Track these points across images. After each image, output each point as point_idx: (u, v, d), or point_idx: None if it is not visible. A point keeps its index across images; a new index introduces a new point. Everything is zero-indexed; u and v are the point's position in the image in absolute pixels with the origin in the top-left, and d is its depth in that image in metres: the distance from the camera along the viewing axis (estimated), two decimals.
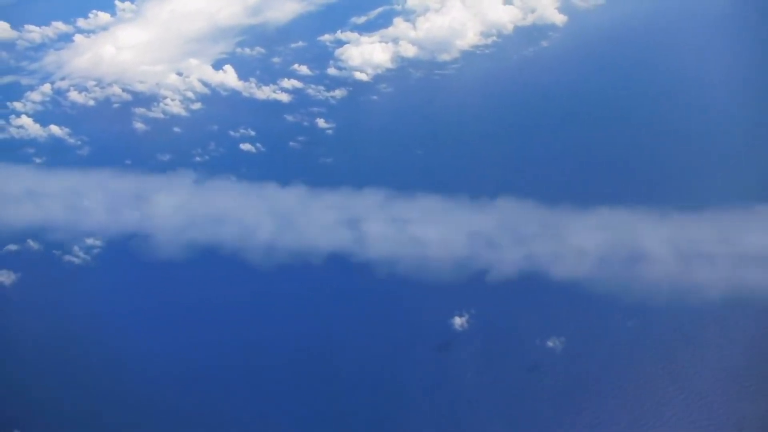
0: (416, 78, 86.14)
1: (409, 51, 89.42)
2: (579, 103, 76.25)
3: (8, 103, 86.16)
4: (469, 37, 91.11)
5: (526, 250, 56.49)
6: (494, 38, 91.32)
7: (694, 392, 47.00)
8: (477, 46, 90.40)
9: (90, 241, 64.64)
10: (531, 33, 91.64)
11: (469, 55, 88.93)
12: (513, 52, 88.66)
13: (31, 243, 64.94)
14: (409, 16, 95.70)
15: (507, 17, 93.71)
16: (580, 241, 57.09)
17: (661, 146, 68.45)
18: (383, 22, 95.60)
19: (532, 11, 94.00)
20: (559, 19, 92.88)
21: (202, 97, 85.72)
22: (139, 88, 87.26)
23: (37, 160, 77.66)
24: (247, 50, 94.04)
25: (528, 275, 54.65)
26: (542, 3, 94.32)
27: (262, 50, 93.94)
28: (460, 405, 48.42)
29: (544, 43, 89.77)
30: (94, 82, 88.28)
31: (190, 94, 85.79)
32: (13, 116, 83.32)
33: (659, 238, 56.08)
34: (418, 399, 48.96)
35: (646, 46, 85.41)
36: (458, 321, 53.37)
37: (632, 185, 64.24)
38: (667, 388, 47.38)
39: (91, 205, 67.50)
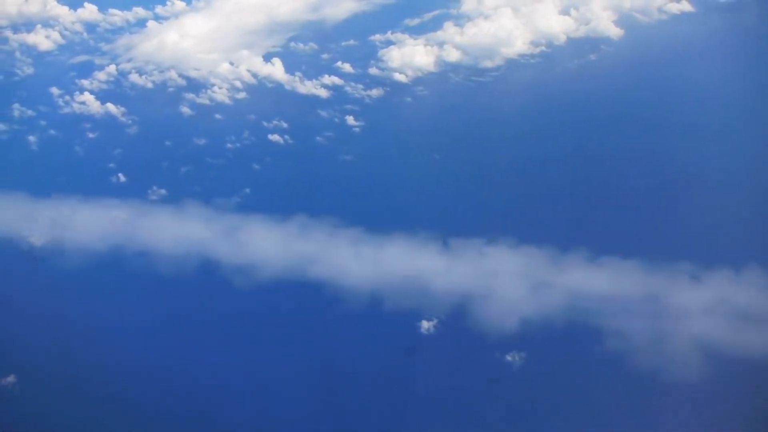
0: (454, 83, 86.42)
1: (453, 55, 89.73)
2: (601, 117, 74.76)
3: (77, 81, 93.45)
4: (517, 45, 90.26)
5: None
6: (543, 48, 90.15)
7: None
8: (523, 55, 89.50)
9: (115, 213, 70.07)
10: (582, 45, 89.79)
11: (512, 64, 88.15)
12: (557, 64, 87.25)
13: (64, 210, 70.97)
14: (462, 20, 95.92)
15: (560, 27, 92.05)
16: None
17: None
18: (435, 25, 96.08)
19: (587, 23, 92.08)
20: (615, 32, 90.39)
21: (248, 87, 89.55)
22: (193, 74, 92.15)
23: (90, 135, 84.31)
24: (301, 45, 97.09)
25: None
26: (598, 15, 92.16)
27: (315, 46, 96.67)
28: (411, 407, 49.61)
29: (592, 57, 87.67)
30: (154, 66, 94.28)
31: (237, 84, 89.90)
32: (77, 93, 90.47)
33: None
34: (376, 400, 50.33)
35: (699, 70, 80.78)
36: (425, 324, 54.21)
37: (660, 211, 62.40)
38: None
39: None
